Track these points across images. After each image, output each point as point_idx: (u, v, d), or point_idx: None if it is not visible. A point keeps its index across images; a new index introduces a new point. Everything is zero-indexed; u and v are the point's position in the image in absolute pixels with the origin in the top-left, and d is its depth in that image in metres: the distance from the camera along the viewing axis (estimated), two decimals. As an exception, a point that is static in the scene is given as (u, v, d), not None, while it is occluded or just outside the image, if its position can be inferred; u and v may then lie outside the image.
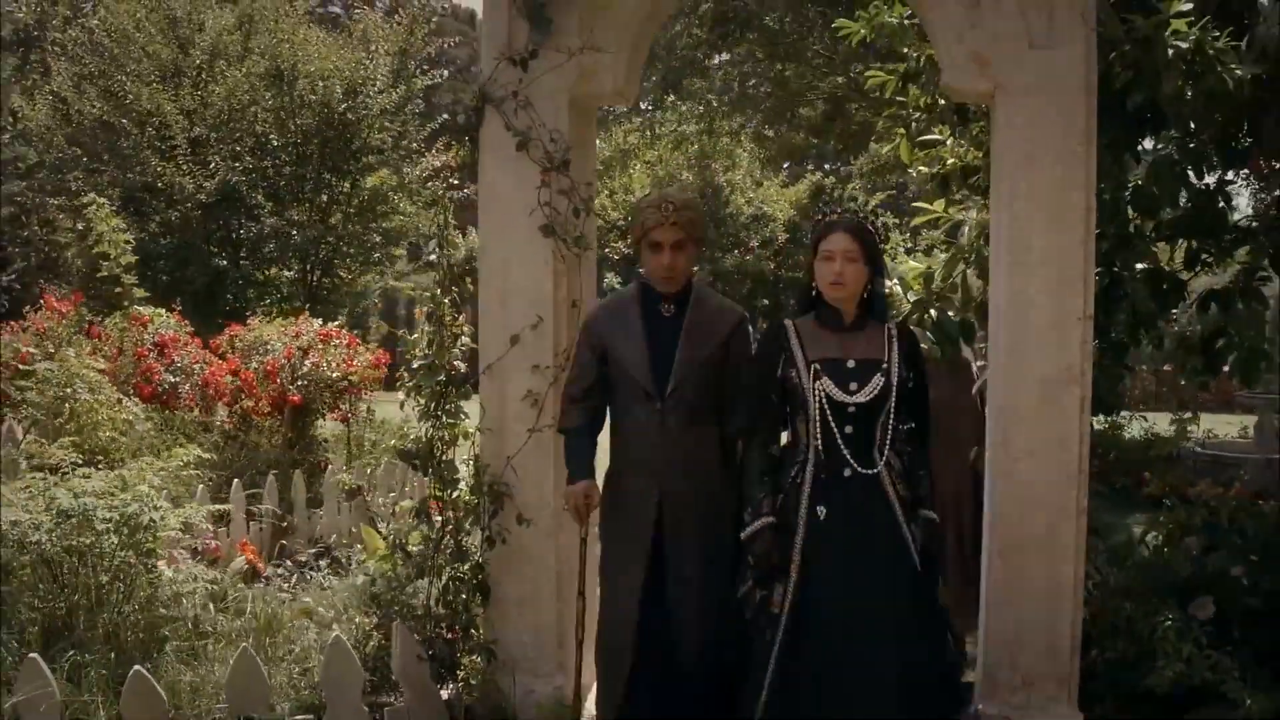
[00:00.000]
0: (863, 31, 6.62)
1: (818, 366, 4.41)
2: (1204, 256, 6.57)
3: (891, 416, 4.42)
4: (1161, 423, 14.81)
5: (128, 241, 10.01)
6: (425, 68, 18.17)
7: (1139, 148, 5.86)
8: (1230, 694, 5.31)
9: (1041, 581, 5.16)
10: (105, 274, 10.13)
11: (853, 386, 4.39)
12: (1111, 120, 5.39)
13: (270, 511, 8.30)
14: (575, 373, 5.02)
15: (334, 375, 9.85)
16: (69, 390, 8.23)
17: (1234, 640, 5.69)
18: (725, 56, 16.70)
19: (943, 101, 6.36)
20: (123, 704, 4.86)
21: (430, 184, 19.14)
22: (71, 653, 5.18)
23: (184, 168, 16.15)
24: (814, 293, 4.55)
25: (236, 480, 8.29)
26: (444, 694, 5.31)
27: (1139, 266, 6.00)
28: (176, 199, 16.27)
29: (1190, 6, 5.17)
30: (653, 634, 4.76)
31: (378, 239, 17.82)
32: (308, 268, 17.47)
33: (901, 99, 6.71)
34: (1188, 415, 15.11)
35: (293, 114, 16.85)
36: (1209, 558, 6.43)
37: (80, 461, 6.67)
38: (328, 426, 11.02)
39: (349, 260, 18.04)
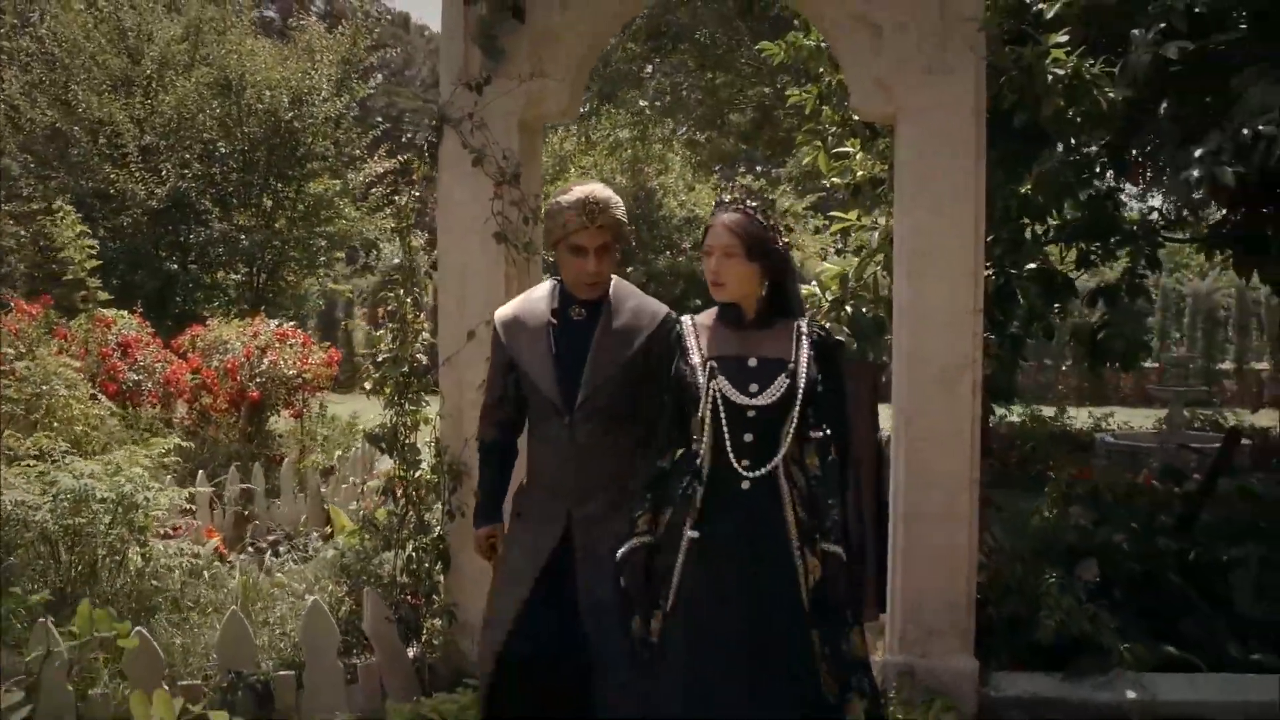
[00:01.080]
0: (781, 54, 7.32)
1: (714, 364, 3.93)
2: (1092, 257, 7.31)
3: (795, 423, 3.90)
4: (1083, 417, 15.66)
5: (91, 247, 10.48)
6: (366, 77, 18.72)
7: (1033, 161, 6.54)
8: (1106, 643, 6.03)
9: (941, 546, 5.83)
10: (70, 278, 10.59)
11: (753, 388, 3.89)
12: (1002, 137, 6.08)
13: (235, 499, 8.86)
14: (488, 381, 4.67)
15: (290, 373, 10.41)
16: (45, 387, 8.72)
17: (1115, 600, 6.42)
18: (658, 62, 17.31)
19: (854, 118, 7.03)
20: (125, 663, 5.44)
21: (374, 189, 19.77)
22: (73, 620, 5.74)
23: (136, 175, 16.60)
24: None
25: (201, 471, 8.83)
26: (410, 653, 5.91)
27: (1029, 267, 6.71)
28: (128, 205, 16.70)
29: (1068, 38, 5.86)
30: (548, 664, 4.26)
31: (323, 243, 18.36)
32: (254, 271, 17.95)
33: (819, 117, 7.40)
34: (1106, 410, 16.02)
35: (240, 122, 17.35)
36: (1099, 529, 7.16)
37: (66, 450, 7.20)
38: (281, 422, 11.57)
39: (294, 264, 18.54)
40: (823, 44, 7.04)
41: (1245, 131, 5.52)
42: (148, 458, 6.69)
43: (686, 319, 4.13)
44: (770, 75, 14.60)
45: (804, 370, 3.92)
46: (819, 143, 7.42)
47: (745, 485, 3.88)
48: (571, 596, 4.23)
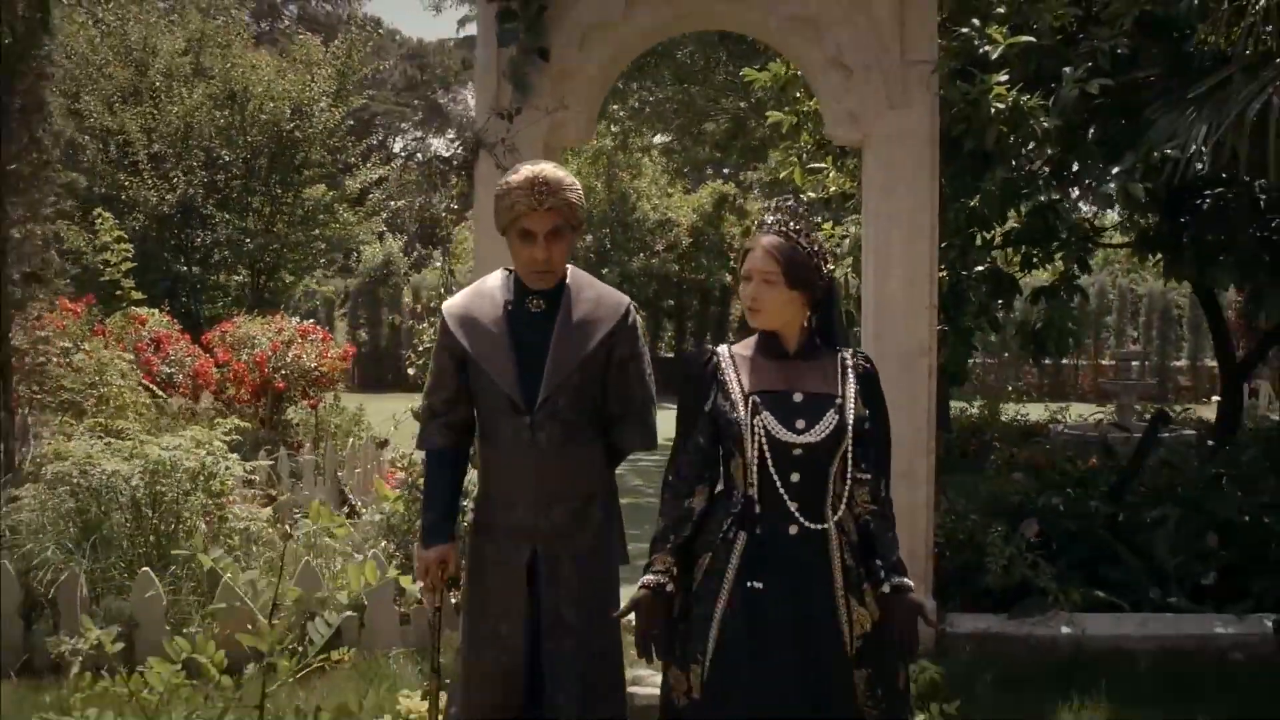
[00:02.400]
0: (764, 81, 8.40)
1: (757, 399, 3.64)
2: (1034, 260, 8.41)
3: (849, 464, 3.67)
4: (1039, 411, 16.80)
5: (127, 250, 11.44)
6: (361, 88, 19.75)
7: (980, 179, 7.60)
8: (1044, 588, 7.12)
9: (903, 504, 6.84)
10: (108, 278, 11.54)
11: (799, 424, 3.61)
12: (954, 159, 7.16)
13: (263, 481, 9.85)
14: (434, 380, 4.23)
15: (311, 366, 11.41)
16: (99, 378, 9.69)
17: (1052, 552, 7.50)
18: (639, 76, 18.35)
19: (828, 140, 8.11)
20: (215, 605, 6.46)
21: (370, 196, 20.77)
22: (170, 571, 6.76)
23: (148, 181, 17.56)
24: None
25: (234, 454, 9.83)
26: (453, 600, 6.94)
27: (978, 269, 7.80)
28: (136, 209, 17.65)
29: (1007, 76, 6.93)
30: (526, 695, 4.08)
31: (321, 245, 19.37)
32: (255, 272, 18.92)
33: (796, 136, 8.49)
34: (1062, 405, 17.19)
35: (243, 131, 18.32)
36: (1040, 495, 8.25)
37: (117, 433, 8.18)
38: (298, 412, 12.56)
39: (292, 265, 19.52)
40: (799, 73, 8.10)
41: (1155, 154, 6.64)
42: (215, 437, 7.68)
43: (723, 349, 3.82)
44: (744, 89, 15.68)
45: (851, 405, 3.67)
46: (795, 159, 8.49)
47: (793, 530, 3.60)
48: (534, 611, 4.01)
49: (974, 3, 7.39)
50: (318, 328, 12.10)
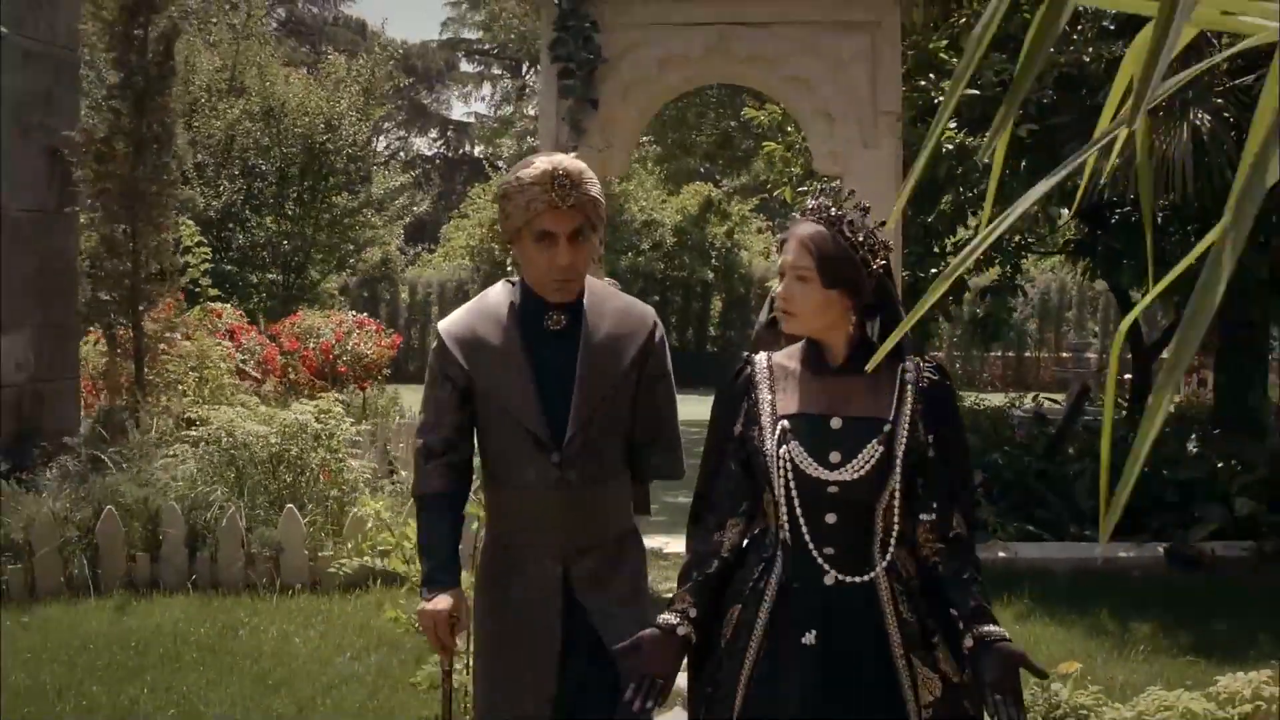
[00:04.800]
0: (762, 118, 10.37)
1: (786, 425, 3.02)
2: (980, 264, 10.39)
3: (895, 502, 2.97)
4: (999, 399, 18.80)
5: (206, 252, 13.27)
6: (383, 103, 21.68)
7: (936, 201, 9.56)
8: (986, 522, 9.08)
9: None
10: (189, 277, 13.36)
11: (834, 457, 2.96)
12: (915, 186, 9.11)
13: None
14: (431, 415, 3.52)
15: (368, 353, 13.29)
16: (202, 362, 11.54)
17: (993, 496, 9.47)
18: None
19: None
20: (346, 532, 8.35)
21: (395, 201, 22.66)
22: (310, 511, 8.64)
23: (195, 188, 19.42)
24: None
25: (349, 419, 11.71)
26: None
27: (933, 271, 9.76)
28: (189, 214, 19.49)
29: (956, 122, 8.89)
30: None
31: (350, 247, 21.29)
32: (287, 271, 20.78)
33: (787, 165, 10.46)
34: (1021, 393, 19.24)
35: (278, 143, 20.18)
36: (986, 453, 10.22)
37: (249, 405, 10.06)
38: (348, 394, 14.44)
39: (321, 265, 21.40)
40: (789, 116, 10.05)
41: (1068, 184, 8.62)
42: (326, 407, 9.54)
43: (760, 358, 3.17)
44: (734, 106, 17.65)
45: (904, 432, 2.97)
46: (786, 183, 10.44)
47: (829, 580, 2.95)
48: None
49: (931, 61, 9.33)
50: (371, 320, 14.01)
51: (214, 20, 21.95)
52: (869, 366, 2.65)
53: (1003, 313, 9.90)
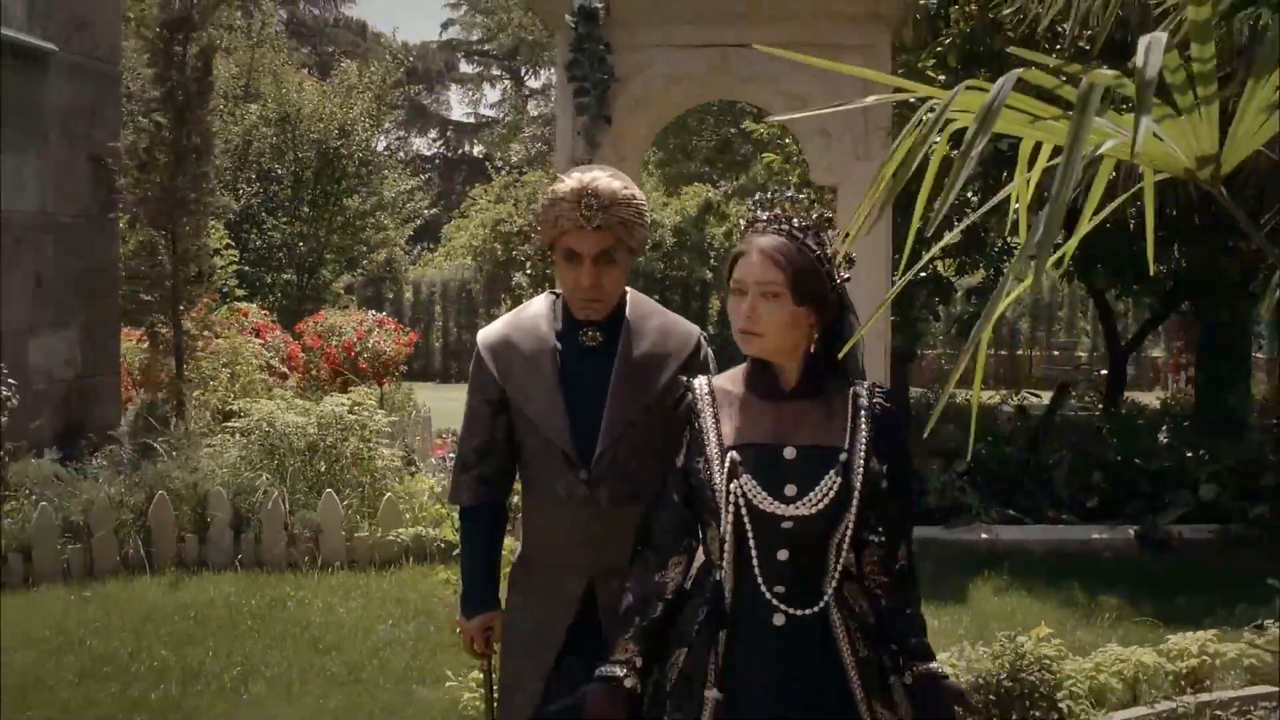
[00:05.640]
0: (761, 130, 11.08)
1: (735, 456, 2.83)
2: (965, 266, 11.12)
3: (848, 534, 2.82)
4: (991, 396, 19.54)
5: (234, 255, 13.99)
6: (393, 108, 22.41)
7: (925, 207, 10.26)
8: (970, 506, 9.81)
9: (867, 445, 9.55)
10: (210, 277, 14.08)
11: (789, 490, 2.78)
12: (904, 194, 9.84)
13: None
14: (467, 426, 3.55)
15: (387, 350, 14.01)
16: (234, 359, 12.25)
17: (977, 482, 10.20)
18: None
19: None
20: (379, 517, 9.07)
21: (407, 205, 23.38)
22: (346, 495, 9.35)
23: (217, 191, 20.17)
24: None
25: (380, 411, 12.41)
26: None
27: (922, 274, 10.47)
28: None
29: (941, 136, 9.59)
30: None
31: (364, 248, 22.01)
32: (300, 271, 21.49)
33: (785, 174, 11.16)
34: (1012, 390, 20.02)
35: (293, 148, 20.88)
36: (973, 446, 10.94)
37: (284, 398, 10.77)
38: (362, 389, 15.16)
39: (333, 265, 22.12)
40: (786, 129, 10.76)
41: (1044, 195, 9.34)
42: (358, 400, 10.25)
43: (701, 383, 3.00)
44: (733, 113, 18.38)
45: (860, 461, 2.83)
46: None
47: (779, 621, 2.79)
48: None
49: (920, 78, 10.03)
50: (389, 319, 14.72)
51: (229, 28, 22.65)
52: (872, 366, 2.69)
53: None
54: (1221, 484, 10.07)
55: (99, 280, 11.52)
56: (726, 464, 2.83)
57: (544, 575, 3.41)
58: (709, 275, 31.94)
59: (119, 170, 11.21)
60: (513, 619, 3.48)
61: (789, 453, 2.83)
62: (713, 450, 2.87)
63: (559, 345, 3.41)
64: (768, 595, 2.80)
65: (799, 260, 2.86)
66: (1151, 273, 10.33)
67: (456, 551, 6.45)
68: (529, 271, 11.10)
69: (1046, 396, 20.36)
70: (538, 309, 3.51)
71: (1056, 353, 32.89)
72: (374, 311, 14.81)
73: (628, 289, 3.47)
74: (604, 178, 3.30)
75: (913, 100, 7.96)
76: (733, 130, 19.05)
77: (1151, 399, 19.76)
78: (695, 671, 2.84)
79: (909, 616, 2.92)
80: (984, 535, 9.62)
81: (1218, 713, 5.97)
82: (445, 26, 54.37)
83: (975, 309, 10.90)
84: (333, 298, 21.44)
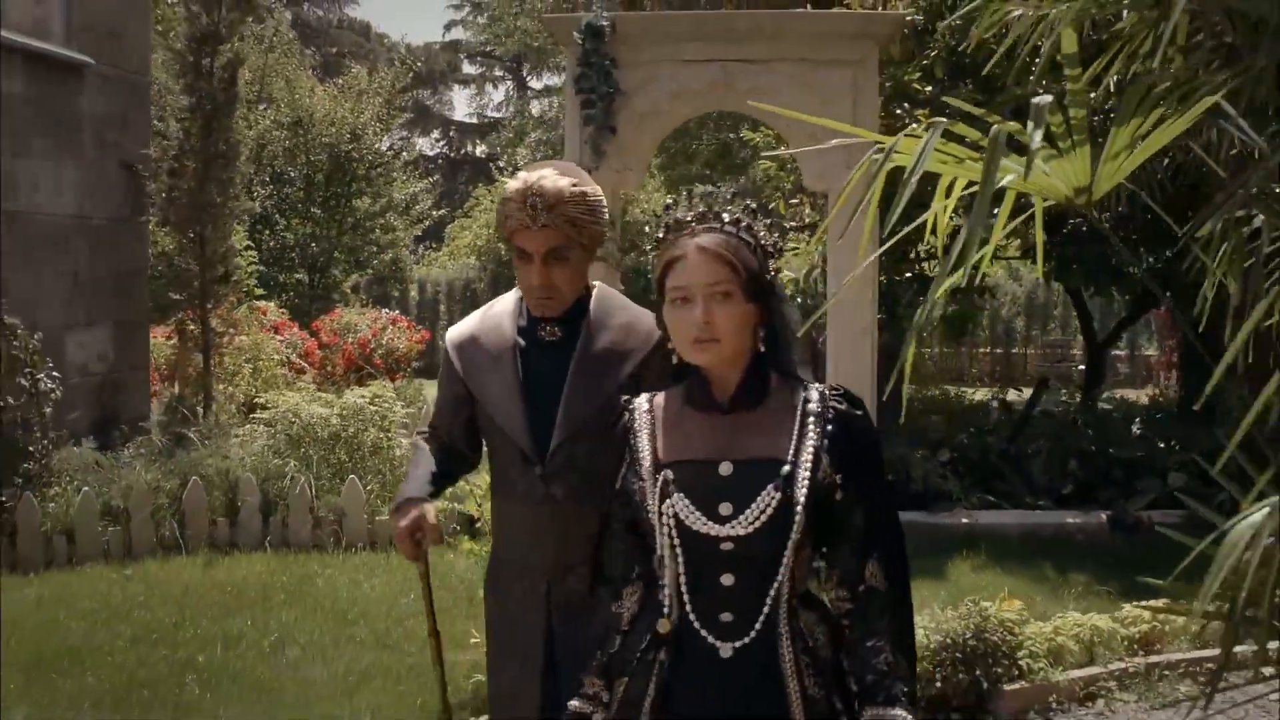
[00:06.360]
0: (758, 139, 11.73)
1: (669, 475, 2.63)
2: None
3: (795, 554, 2.57)
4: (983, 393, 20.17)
5: (253, 255, 14.62)
6: (401, 111, 23.08)
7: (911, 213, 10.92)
8: (951, 493, 10.45)
9: (855, 435, 10.18)
10: (235, 278, 14.73)
11: (724, 509, 2.56)
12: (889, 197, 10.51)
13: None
14: (435, 418, 3.67)
15: (400, 346, 14.66)
16: (256, 355, 12.89)
17: (959, 470, 10.84)
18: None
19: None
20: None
21: (415, 207, 24.03)
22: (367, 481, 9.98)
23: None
24: (674, 355, 2.77)
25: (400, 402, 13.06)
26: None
27: (907, 275, 11.12)
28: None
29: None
30: None
31: (374, 248, 22.67)
32: (312, 271, 22.14)
33: (780, 179, 11.81)
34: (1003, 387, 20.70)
35: (306, 151, 21.53)
36: (956, 434, 11.58)
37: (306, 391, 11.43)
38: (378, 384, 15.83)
39: (343, 265, 22.76)
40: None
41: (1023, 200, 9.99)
42: (388, 391, 10.88)
43: (641, 401, 2.83)
44: (733, 119, 19.04)
45: (806, 473, 2.59)
46: (780, 195, 11.79)
47: (725, 652, 2.58)
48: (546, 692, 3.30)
49: (905, 91, 10.68)
50: (402, 317, 15.39)
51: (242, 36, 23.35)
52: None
53: (969, 311, 11.28)
54: (1189, 473, 10.69)
55: (130, 280, 12.16)
56: (659, 484, 2.63)
57: (513, 574, 3.41)
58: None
59: (149, 176, 11.85)
60: (493, 623, 3.52)
61: (725, 468, 2.60)
62: (646, 470, 2.68)
63: (521, 342, 3.41)
64: (713, 624, 2.59)
65: (744, 254, 2.67)
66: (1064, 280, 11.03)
67: (477, 523, 7.18)
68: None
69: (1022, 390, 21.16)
70: (504, 306, 3.52)
71: (1047, 349, 33.59)
72: (385, 310, 15.45)
73: (596, 284, 3.45)
74: (551, 176, 3.24)
75: (900, 111, 8.53)
76: (732, 135, 19.70)
77: (1142, 396, 20.36)
78: (636, 699, 2.67)
79: (870, 649, 2.59)
80: (964, 519, 10.25)
81: (1165, 672, 6.62)
82: (449, 27, 54.82)
83: (959, 307, 11.54)
84: (342, 297, 22.04)
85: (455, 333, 3.55)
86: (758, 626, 2.56)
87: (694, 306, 2.60)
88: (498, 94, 55.70)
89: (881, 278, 10.66)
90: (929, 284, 11.15)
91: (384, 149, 22.80)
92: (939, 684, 6.05)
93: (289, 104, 21.77)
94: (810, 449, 2.61)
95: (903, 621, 2.63)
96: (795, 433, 2.63)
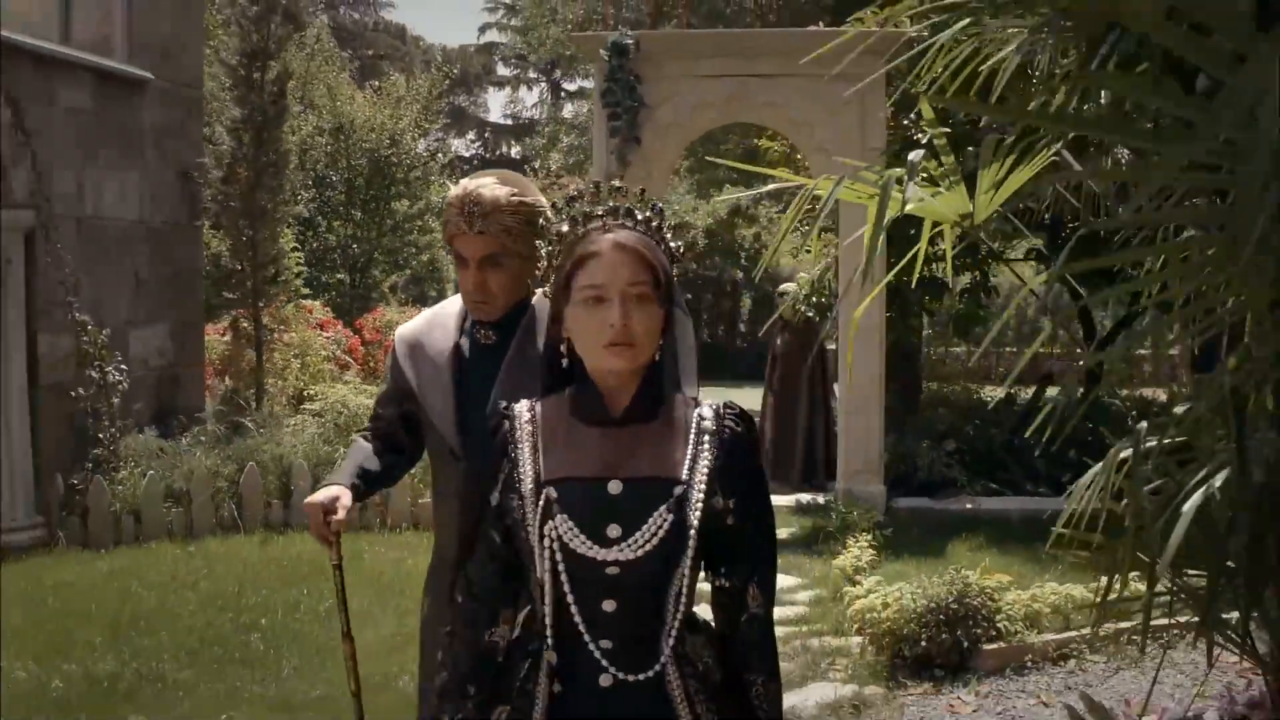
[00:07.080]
0: (774, 149, 12.43)
1: (552, 493, 2.41)
2: (958, 268, 12.42)
3: (685, 579, 2.42)
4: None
5: (299, 256, 15.40)
6: (438, 117, 23.91)
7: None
8: (956, 480, 11.15)
9: (863, 425, 10.89)
10: (284, 278, 15.51)
11: (612, 531, 2.38)
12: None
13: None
14: (375, 408, 3.72)
15: (438, 343, 15.44)
16: (304, 351, 13.68)
17: (965, 459, 11.53)
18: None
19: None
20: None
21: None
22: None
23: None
24: (564, 359, 2.54)
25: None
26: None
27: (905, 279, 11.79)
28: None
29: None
30: None
31: (413, 249, 23.49)
32: (353, 272, 22.95)
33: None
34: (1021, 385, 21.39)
35: (347, 156, 22.36)
36: (962, 426, 12.27)
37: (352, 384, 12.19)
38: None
39: (384, 266, 23.58)
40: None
41: (1020, 206, 10.66)
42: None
43: (522, 407, 2.57)
44: (757, 128, 19.78)
45: (700, 494, 2.43)
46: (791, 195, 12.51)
47: (605, 681, 2.42)
48: None
49: (910, 103, 11.36)
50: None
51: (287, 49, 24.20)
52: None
53: (976, 310, 11.98)
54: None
55: (186, 281, 12.96)
56: (541, 502, 2.42)
57: (448, 572, 3.28)
58: (739, 275, 33.18)
59: (204, 183, 12.66)
60: (427, 621, 3.58)
61: (614, 487, 2.41)
62: (528, 487, 2.45)
63: (464, 343, 3.46)
64: (594, 651, 2.41)
65: (659, 255, 2.48)
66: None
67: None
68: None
69: (1053, 390, 21.77)
70: (453, 307, 3.55)
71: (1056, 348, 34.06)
72: (423, 308, 16.29)
73: (539, 291, 3.22)
74: (490, 185, 3.29)
75: (906, 123, 9.21)
76: (755, 140, 20.45)
77: (1161, 394, 20.83)
78: None
79: (746, 684, 2.52)
80: (968, 505, 10.93)
81: (1134, 636, 7.28)
82: (483, 30, 55.47)
83: (966, 306, 12.23)
84: (382, 296, 22.81)
85: (404, 330, 3.62)
86: (644, 654, 2.42)
87: (610, 307, 2.39)
88: (532, 96, 56.32)
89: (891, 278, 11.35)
90: (937, 285, 11.83)
91: (421, 151, 23.57)
92: (924, 643, 6.74)
93: (330, 111, 22.57)
94: (705, 469, 2.45)
95: (773, 641, 2.57)
96: (690, 451, 2.47)
